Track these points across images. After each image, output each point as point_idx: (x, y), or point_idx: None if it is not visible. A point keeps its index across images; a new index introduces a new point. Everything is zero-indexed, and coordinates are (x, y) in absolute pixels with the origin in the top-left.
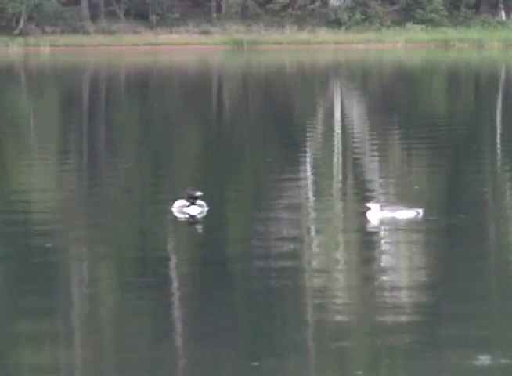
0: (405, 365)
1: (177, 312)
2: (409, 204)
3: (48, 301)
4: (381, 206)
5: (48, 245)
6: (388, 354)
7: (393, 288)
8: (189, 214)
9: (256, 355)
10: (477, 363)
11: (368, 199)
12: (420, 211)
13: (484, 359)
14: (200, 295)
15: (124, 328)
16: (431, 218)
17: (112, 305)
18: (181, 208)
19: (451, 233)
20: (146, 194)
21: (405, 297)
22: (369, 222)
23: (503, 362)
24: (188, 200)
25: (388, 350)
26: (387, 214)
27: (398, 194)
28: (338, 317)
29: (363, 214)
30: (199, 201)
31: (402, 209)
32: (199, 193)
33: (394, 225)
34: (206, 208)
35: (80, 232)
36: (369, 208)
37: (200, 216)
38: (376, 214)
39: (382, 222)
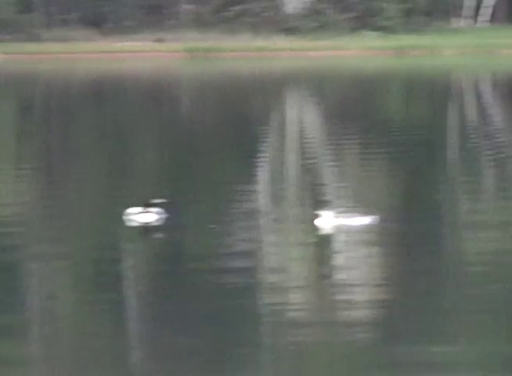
0: (362, 361)
1: (133, 316)
2: (364, 211)
3: (4, 315)
4: (335, 213)
5: (5, 258)
6: (345, 351)
7: (347, 286)
8: (143, 221)
9: (212, 360)
10: (431, 357)
11: (321, 206)
12: (374, 218)
13: (439, 353)
14: (156, 304)
15: (81, 338)
16: (384, 225)
17: (70, 315)
18: (136, 215)
19: (405, 240)
20: (102, 202)
21: (359, 295)
22: (322, 228)
23: (458, 354)
24: (143, 207)
25: (345, 347)
26: (342, 221)
27: (354, 202)
28: (294, 315)
29: (316, 221)
30: (154, 208)
31: (356, 216)
32: (158, 201)
33: (347, 233)
34: (163, 215)
35: (37, 244)
36: (322, 215)
37: (156, 223)
38: (329, 221)
39: (336, 229)
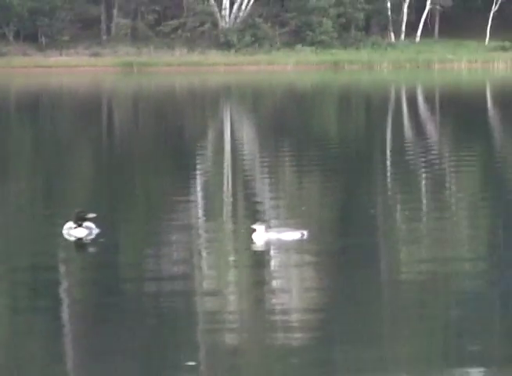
0: (296, 362)
1: (68, 335)
2: (296, 225)
3: None
4: (266, 227)
5: None
6: (279, 353)
7: (283, 310)
8: (75, 236)
9: (147, 362)
10: (367, 360)
11: (254, 220)
12: (305, 232)
13: (372, 356)
14: (91, 318)
15: (15, 351)
16: (316, 239)
17: (4, 328)
18: (68, 230)
19: (335, 255)
20: (37, 217)
21: (294, 318)
22: (254, 243)
23: (391, 357)
24: (75, 222)
25: (280, 370)
26: (273, 235)
27: (287, 215)
28: (230, 339)
29: (250, 235)
30: (86, 223)
31: (287, 230)
32: (90, 215)
33: (279, 247)
34: (95, 230)
35: None
36: (255, 230)
37: (88, 238)
38: (261, 235)
39: (268, 244)
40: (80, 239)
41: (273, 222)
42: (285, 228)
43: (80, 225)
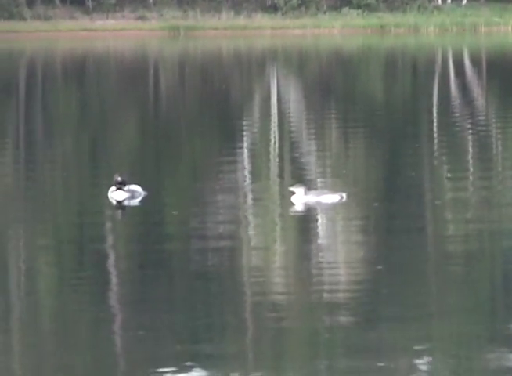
0: (344, 343)
1: (115, 297)
2: (336, 187)
3: None
4: (306, 190)
5: None
6: (327, 332)
7: (330, 265)
8: (115, 199)
9: (195, 339)
10: (414, 340)
11: (295, 182)
12: (344, 195)
13: (422, 336)
14: (137, 279)
15: (64, 317)
16: (355, 202)
17: (51, 295)
18: (110, 193)
19: (372, 217)
20: (84, 180)
21: (342, 275)
22: (294, 205)
23: (439, 335)
24: (115, 186)
25: (327, 328)
26: (312, 198)
27: (329, 178)
28: (274, 297)
29: (291, 197)
30: (130, 186)
31: (326, 193)
32: (118, 178)
33: (319, 209)
34: (138, 193)
35: (18, 221)
36: (294, 192)
37: (129, 201)
38: (300, 198)
39: (307, 206)
40: (119, 202)
41: (313, 184)
42: (324, 190)
43: (119, 189)
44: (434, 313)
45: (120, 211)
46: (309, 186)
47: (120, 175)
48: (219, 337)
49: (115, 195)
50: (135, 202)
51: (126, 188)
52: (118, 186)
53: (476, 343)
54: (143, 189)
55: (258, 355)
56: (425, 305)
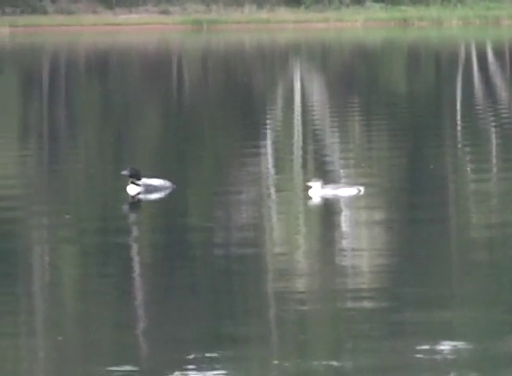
0: (366, 329)
1: (138, 292)
2: (355, 181)
3: (9, 286)
4: (323, 184)
5: (8, 229)
6: (348, 320)
7: (353, 251)
8: (128, 193)
9: (218, 324)
10: (437, 325)
11: (312, 176)
12: (362, 188)
13: (444, 320)
14: (160, 270)
15: (86, 312)
16: (373, 196)
17: (74, 288)
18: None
19: (403, 209)
20: (107, 174)
21: (363, 262)
22: (311, 199)
23: (462, 321)
24: (132, 179)
25: (348, 316)
26: (329, 191)
27: (349, 171)
28: (297, 284)
29: (309, 191)
30: (148, 180)
31: (343, 186)
32: (124, 172)
33: (336, 203)
34: (160, 186)
35: (41, 215)
36: (311, 186)
37: (144, 195)
38: (317, 191)
39: (324, 199)
40: (133, 197)
41: (333, 177)
42: (341, 184)
43: (132, 183)
44: (457, 300)
45: (139, 205)
46: (327, 179)
47: (130, 169)
48: (242, 321)
49: (128, 189)
50: (160, 195)
51: (141, 182)
52: (131, 180)
53: (498, 330)
54: (172, 183)
55: (281, 338)
56: (448, 292)
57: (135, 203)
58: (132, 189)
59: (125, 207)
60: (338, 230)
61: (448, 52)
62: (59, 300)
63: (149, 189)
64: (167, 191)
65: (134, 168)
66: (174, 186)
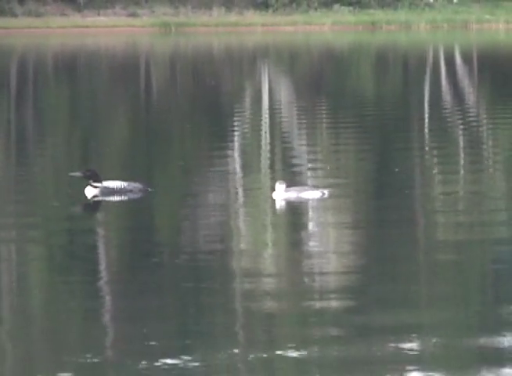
0: (334, 329)
1: (105, 296)
2: (319, 184)
3: None
4: (287, 186)
5: None
6: (315, 319)
7: (318, 252)
8: (88, 196)
9: (184, 322)
10: (404, 325)
11: (275, 179)
12: (326, 191)
13: (411, 319)
14: (127, 279)
15: (52, 313)
16: (336, 199)
17: (40, 290)
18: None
19: (370, 211)
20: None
21: (329, 263)
22: (274, 201)
23: (429, 320)
24: (87, 181)
25: (315, 315)
26: (292, 194)
27: (315, 174)
28: (265, 286)
29: (272, 193)
30: (106, 182)
31: (307, 189)
32: (75, 174)
33: (300, 205)
34: (118, 188)
35: (8, 215)
36: (275, 188)
37: (101, 197)
38: (281, 194)
39: (287, 202)
40: (90, 198)
41: (298, 180)
42: (306, 186)
43: (90, 185)
44: (424, 300)
45: (101, 206)
46: (292, 182)
47: (86, 171)
48: (208, 318)
49: (86, 191)
50: (123, 197)
51: (100, 184)
52: (89, 182)
53: (465, 329)
54: (144, 185)
55: (247, 335)
56: (415, 293)
57: (93, 204)
58: (90, 191)
59: (83, 209)
60: (302, 232)
61: (417, 56)
62: (26, 306)
63: (106, 191)
64: (136, 194)
65: (90, 170)
66: (148, 189)
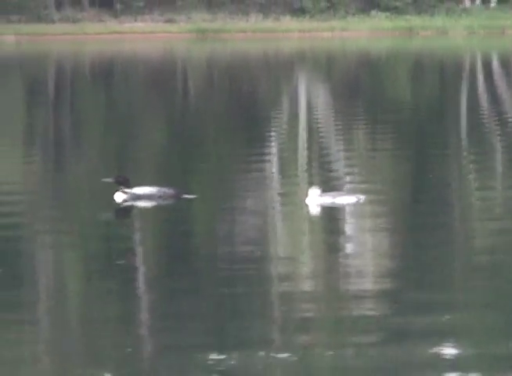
0: (371, 333)
1: (142, 300)
2: (355, 189)
3: (14, 290)
4: (322, 191)
5: (13, 235)
6: (352, 323)
7: (355, 256)
8: (118, 200)
9: (221, 326)
10: (441, 328)
11: (311, 184)
12: (362, 197)
13: (447, 324)
14: (164, 283)
15: (90, 316)
16: (372, 204)
17: (78, 294)
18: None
19: (406, 216)
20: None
21: (366, 267)
22: (308, 207)
23: (466, 324)
24: (119, 186)
25: (352, 319)
26: (327, 199)
27: (352, 180)
28: (301, 288)
29: (307, 199)
30: (135, 189)
31: (342, 195)
32: (107, 180)
33: (335, 210)
34: (133, 196)
35: (44, 223)
36: (310, 194)
37: (131, 203)
38: (315, 199)
39: (322, 207)
40: (119, 204)
41: (331, 185)
42: (341, 192)
43: (120, 190)
44: (460, 304)
45: (132, 212)
46: (328, 187)
47: (117, 177)
48: (247, 323)
49: (115, 197)
50: (155, 202)
51: (129, 190)
52: (120, 187)
53: (502, 334)
54: (179, 191)
55: (285, 340)
56: (452, 297)
57: (124, 210)
58: (119, 197)
59: (115, 214)
60: (337, 236)
61: (453, 62)
62: (63, 308)
63: (135, 197)
64: (166, 200)
65: (122, 176)
66: (183, 195)
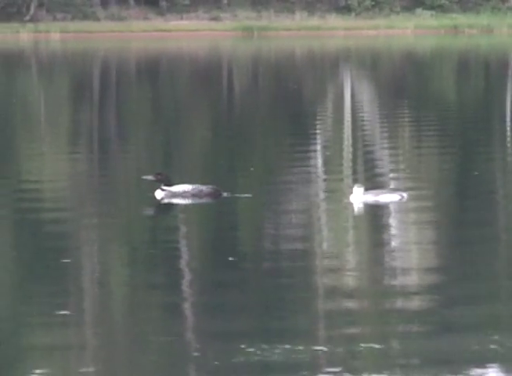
0: (416, 328)
1: (187, 290)
2: (398, 187)
3: (58, 286)
4: (365, 189)
5: (60, 231)
6: (398, 318)
7: (401, 252)
8: (157, 197)
9: (266, 319)
10: (486, 322)
11: (355, 182)
12: (405, 194)
13: (492, 318)
14: (209, 275)
15: (136, 308)
16: (415, 202)
17: (124, 284)
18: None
19: (450, 213)
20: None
21: (410, 263)
22: (352, 204)
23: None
24: (160, 184)
25: (398, 311)
26: (370, 197)
27: (395, 177)
28: (345, 284)
29: (350, 196)
30: (174, 187)
31: (385, 193)
32: (148, 177)
33: (378, 207)
34: (173, 194)
35: (90, 219)
36: (353, 191)
37: (167, 200)
38: (359, 197)
39: (365, 205)
40: (158, 200)
41: (376, 183)
42: (384, 190)
43: (160, 188)
44: (505, 298)
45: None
46: (372, 185)
47: (156, 174)
48: (290, 315)
49: (156, 194)
50: (194, 200)
51: (167, 188)
52: (159, 185)
53: None
54: (218, 190)
55: (329, 333)
56: (497, 291)
57: (164, 207)
58: (158, 194)
59: (156, 211)
60: (383, 232)
61: (499, 60)
62: (108, 303)
63: (172, 194)
64: (202, 198)
65: (162, 173)
66: (223, 193)
